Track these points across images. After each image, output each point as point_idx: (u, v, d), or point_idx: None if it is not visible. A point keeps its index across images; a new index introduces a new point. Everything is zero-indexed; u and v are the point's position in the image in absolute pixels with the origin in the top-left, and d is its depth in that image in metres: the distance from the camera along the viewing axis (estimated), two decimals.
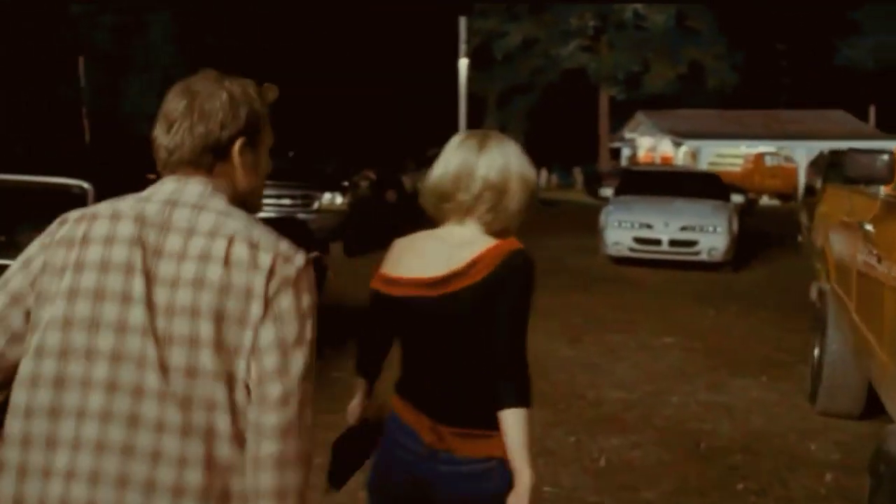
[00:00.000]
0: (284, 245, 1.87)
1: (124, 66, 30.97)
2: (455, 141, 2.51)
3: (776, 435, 6.00)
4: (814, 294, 7.54)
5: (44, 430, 1.75)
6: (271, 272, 1.82)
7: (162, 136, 1.92)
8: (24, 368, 1.80)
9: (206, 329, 1.76)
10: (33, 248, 1.89)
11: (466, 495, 2.41)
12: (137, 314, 1.77)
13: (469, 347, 2.39)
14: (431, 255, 2.44)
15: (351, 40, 42.68)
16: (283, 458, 1.78)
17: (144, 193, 1.91)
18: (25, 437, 1.76)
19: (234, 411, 1.77)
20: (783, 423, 6.30)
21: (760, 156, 39.12)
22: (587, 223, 17.95)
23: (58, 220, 1.91)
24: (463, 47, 28.38)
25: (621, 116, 44.47)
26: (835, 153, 15.23)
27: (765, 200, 34.13)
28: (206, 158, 1.91)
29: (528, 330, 2.38)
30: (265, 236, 1.86)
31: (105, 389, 1.75)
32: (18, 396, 1.79)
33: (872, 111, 45.50)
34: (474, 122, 42.70)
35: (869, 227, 4.68)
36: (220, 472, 1.76)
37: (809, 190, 15.16)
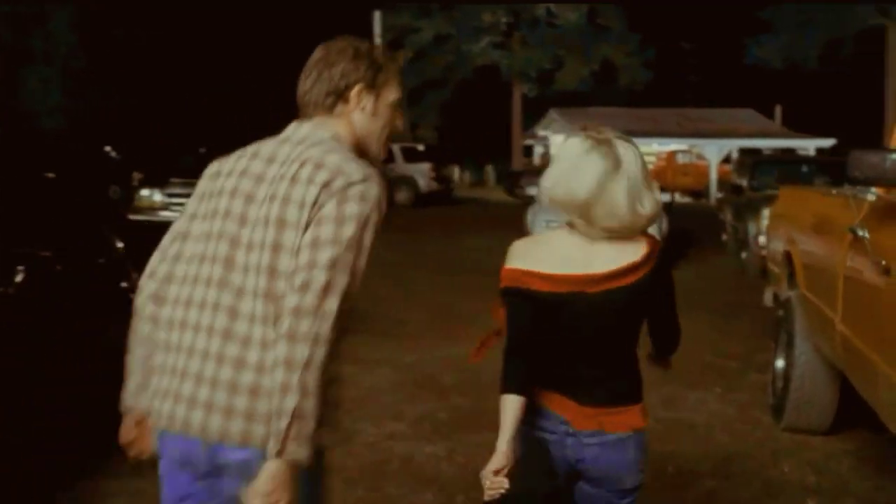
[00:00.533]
0: (350, 166, 2.24)
1: (23, 58, 29.59)
2: (580, 148, 2.61)
3: (746, 456, 5.59)
4: (769, 300, 7.17)
5: (170, 307, 2.35)
6: (325, 186, 2.20)
7: (300, 83, 2.40)
8: (170, 268, 2.40)
9: (270, 235, 2.22)
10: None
11: (612, 463, 2.68)
12: (230, 226, 2.29)
13: (628, 333, 2.69)
14: (581, 251, 2.63)
15: (264, 33, 41.64)
16: (293, 333, 2.14)
17: (279, 136, 2.40)
18: (168, 317, 2.36)
19: (277, 298, 2.20)
20: (750, 441, 5.89)
21: (673, 153, 39.37)
22: (507, 222, 17.50)
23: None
24: (377, 42, 27.76)
25: (534, 114, 44.30)
26: (757, 152, 15.09)
27: (677, 198, 34.21)
28: (329, 100, 2.36)
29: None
30: (335, 160, 2.25)
31: (205, 284, 2.30)
32: (160, 289, 2.39)
33: (779, 110, 46.14)
34: None
35: (863, 233, 4.25)
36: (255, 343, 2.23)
37: (736, 189, 14.94)
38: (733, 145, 39.18)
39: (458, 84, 44.62)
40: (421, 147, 30.12)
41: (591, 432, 2.66)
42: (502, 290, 2.68)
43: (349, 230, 2.19)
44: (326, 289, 2.16)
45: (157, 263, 2.42)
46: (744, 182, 15.15)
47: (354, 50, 2.38)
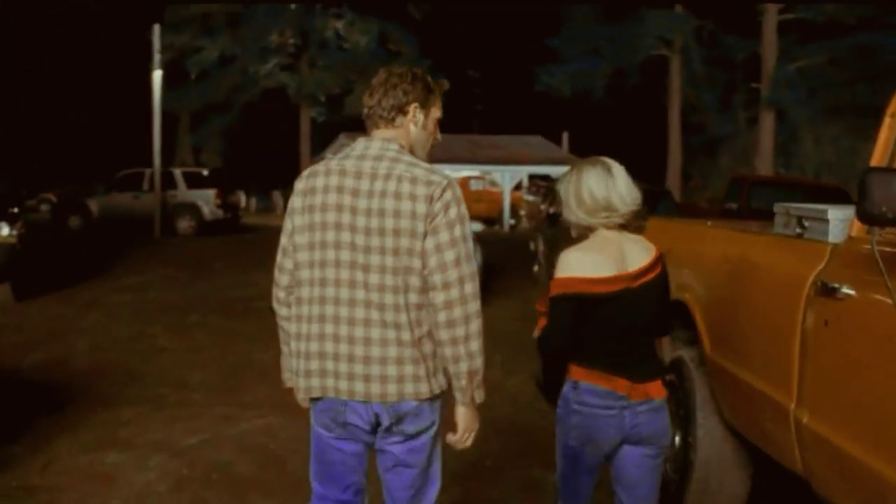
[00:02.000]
0: (434, 175, 2.97)
1: None
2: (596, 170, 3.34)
3: None
4: None
5: (313, 309, 3.03)
6: (428, 199, 2.92)
7: (366, 100, 3.12)
8: (296, 275, 3.08)
9: (388, 241, 2.92)
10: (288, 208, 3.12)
11: (658, 424, 3.33)
12: (345, 236, 2.96)
13: (657, 319, 3.40)
14: (620, 253, 3.29)
15: (31, 44, 38.26)
16: (450, 321, 2.95)
17: (345, 151, 3.09)
18: (299, 315, 3.07)
19: (406, 290, 2.93)
20: None
21: (466, 180, 38.71)
22: None
23: (298, 178, 3.13)
24: (157, 57, 25.58)
25: (324, 138, 42.85)
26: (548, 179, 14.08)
27: (474, 227, 33.50)
28: (393, 113, 3.07)
29: None
30: (421, 173, 2.96)
31: (335, 284, 2.98)
32: (294, 293, 3.10)
33: (566, 137, 46.57)
34: (168, 142, 39.69)
35: (846, 289, 3.01)
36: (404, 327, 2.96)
37: (551, 218, 13.92)
38: (524, 172, 39.01)
39: (245, 107, 42.58)
40: (205, 172, 28.02)
41: (641, 402, 3.27)
42: (552, 297, 3.24)
43: (459, 230, 2.96)
44: (461, 280, 2.93)
45: (279, 275, 3.13)
46: (554, 210, 14.22)
47: (412, 75, 3.10)
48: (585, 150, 35.71)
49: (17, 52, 36.99)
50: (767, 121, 34.68)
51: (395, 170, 2.95)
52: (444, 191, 2.92)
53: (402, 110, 3.05)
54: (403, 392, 2.95)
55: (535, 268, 15.62)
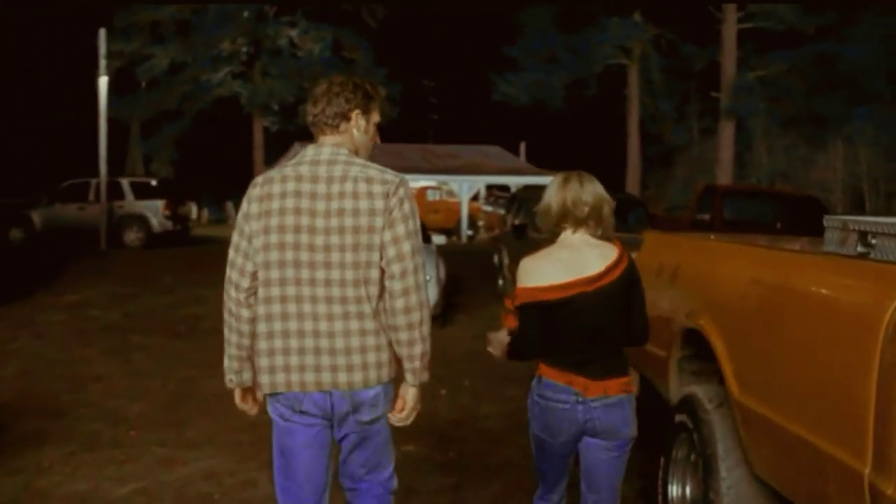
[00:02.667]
0: (388, 175, 3.19)
1: None
2: (558, 179, 3.72)
3: None
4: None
5: (276, 307, 3.19)
6: (385, 196, 3.14)
7: (310, 109, 3.28)
8: (261, 276, 3.22)
9: (348, 239, 3.12)
10: (240, 213, 3.28)
11: (614, 418, 3.55)
12: (304, 238, 3.14)
13: (618, 320, 3.57)
14: (577, 260, 3.57)
15: None
16: (408, 306, 3.16)
17: (296, 158, 3.25)
18: (268, 314, 3.20)
19: (367, 283, 3.14)
20: None
21: (422, 190, 37.97)
22: None
23: (251, 185, 3.29)
24: (103, 63, 24.58)
25: (278, 148, 41.95)
26: (506, 189, 13.45)
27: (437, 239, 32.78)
28: (337, 120, 3.26)
29: None
30: (375, 173, 3.19)
31: (295, 283, 3.15)
32: (260, 294, 3.22)
33: (523, 147, 46.11)
34: (118, 151, 38.52)
35: None
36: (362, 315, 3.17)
37: (518, 230, 13.23)
38: (481, 182, 38.38)
39: (197, 115, 41.56)
40: (154, 182, 27.01)
41: (596, 398, 3.53)
42: (517, 307, 3.60)
43: (412, 223, 3.18)
44: (416, 270, 3.16)
45: (238, 277, 3.25)
46: (520, 221, 13.52)
47: (353, 83, 3.29)
48: (543, 159, 34.96)
49: None
50: (727, 130, 34.38)
51: (350, 172, 3.17)
52: (397, 188, 3.16)
53: (345, 117, 3.26)
54: (368, 378, 3.18)
55: (500, 282, 14.92)
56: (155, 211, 25.08)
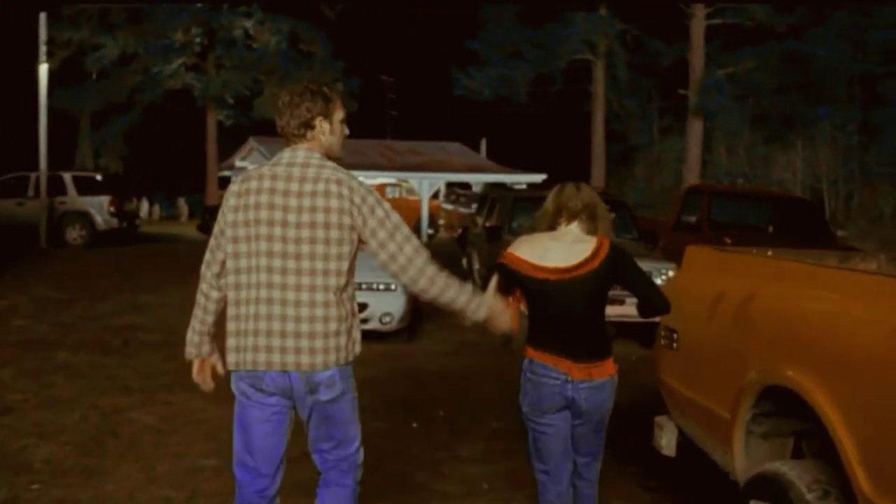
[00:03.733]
0: (352, 179, 3.52)
1: None
2: (557, 187, 4.22)
3: None
4: (668, 444, 4.16)
5: (245, 293, 3.50)
6: (350, 198, 3.47)
7: (278, 120, 3.57)
8: (229, 265, 3.57)
9: (319, 233, 3.44)
10: (222, 207, 3.61)
11: (597, 399, 3.97)
12: (277, 230, 3.45)
13: (595, 309, 3.98)
14: (558, 250, 3.98)
15: None
16: (422, 267, 3.57)
17: (274, 159, 3.58)
18: (237, 299, 3.52)
19: (331, 274, 3.46)
20: None
21: (382, 187, 36.78)
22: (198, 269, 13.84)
23: (231, 181, 3.65)
24: (43, 49, 23.10)
25: (232, 142, 40.51)
26: (467, 187, 12.32)
27: None
28: (302, 130, 3.55)
29: None
30: (344, 176, 3.50)
31: (266, 271, 3.46)
32: (231, 280, 3.56)
33: (483, 143, 45.12)
34: (64, 144, 36.90)
35: None
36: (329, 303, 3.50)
37: (491, 232, 12.09)
38: (442, 179, 37.29)
39: (147, 108, 39.93)
40: (99, 177, 25.56)
41: (582, 380, 3.93)
42: (498, 264, 4.12)
43: (395, 216, 3.55)
44: (409, 235, 3.56)
45: (211, 260, 3.64)
46: (493, 223, 12.41)
47: (310, 91, 3.56)
48: (504, 157, 33.88)
49: None
50: (696, 128, 33.38)
51: (322, 174, 3.50)
52: (366, 193, 3.51)
53: (309, 125, 3.55)
54: (327, 362, 3.46)
55: None
56: (99, 207, 23.70)
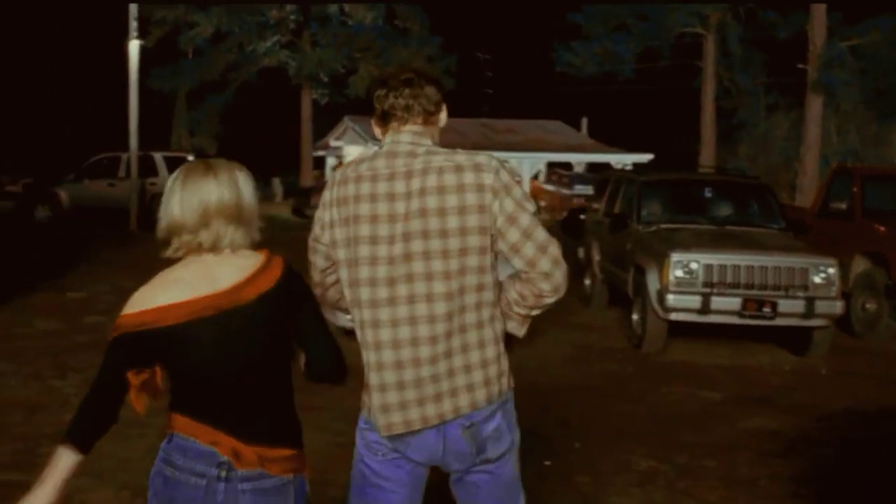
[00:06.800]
0: (481, 159, 2.74)
1: None
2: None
3: None
4: None
5: (369, 326, 2.73)
6: (479, 188, 2.67)
7: (388, 98, 2.82)
8: (349, 275, 2.78)
9: (435, 244, 2.67)
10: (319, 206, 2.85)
11: None
12: (382, 249, 2.69)
13: (274, 351, 2.52)
14: (200, 277, 2.46)
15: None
16: (556, 283, 2.76)
17: (373, 151, 2.87)
18: (371, 304, 2.73)
19: (463, 292, 2.69)
20: None
21: None
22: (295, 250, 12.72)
23: (327, 184, 2.84)
24: (133, 25, 22.32)
25: (327, 121, 39.69)
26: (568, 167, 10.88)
27: None
28: (430, 109, 2.83)
29: None
30: (464, 160, 2.72)
31: (384, 303, 2.70)
32: (354, 293, 2.76)
33: (585, 122, 43.52)
34: (160, 124, 36.49)
35: None
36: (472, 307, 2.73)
37: (617, 220, 10.69)
38: (543, 159, 35.92)
39: (241, 87, 39.27)
40: (191, 157, 24.81)
41: (248, 473, 2.44)
42: (110, 341, 2.45)
43: (518, 195, 2.73)
44: (547, 241, 2.74)
45: (311, 269, 2.88)
46: (619, 210, 11.02)
47: (431, 77, 2.92)
48: (607, 135, 32.14)
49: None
50: (815, 105, 31.32)
51: (432, 162, 2.73)
52: (496, 173, 2.72)
53: (438, 107, 2.88)
54: (476, 401, 2.72)
55: (587, 282, 12.41)
56: None
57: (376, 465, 2.78)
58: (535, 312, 2.82)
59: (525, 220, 2.69)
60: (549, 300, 2.79)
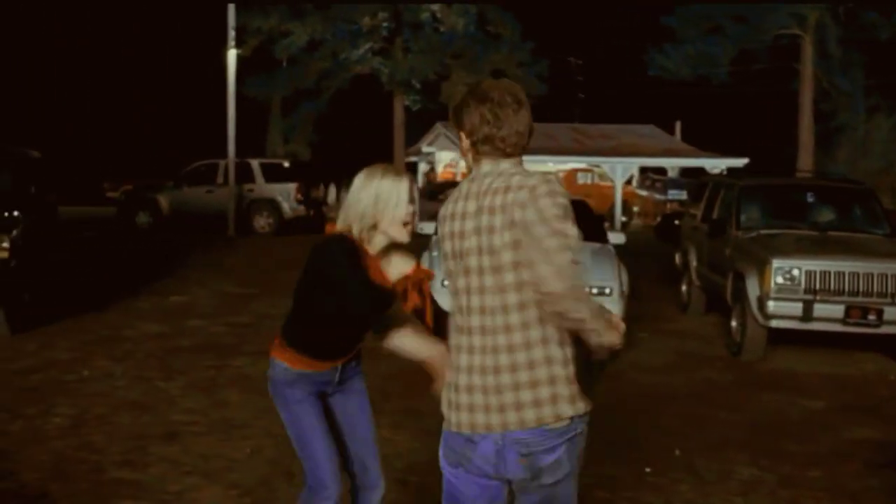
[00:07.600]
0: (528, 180, 2.74)
1: None
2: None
3: None
4: None
5: (454, 332, 2.87)
6: (521, 205, 2.70)
7: (485, 125, 2.81)
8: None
9: (494, 260, 2.73)
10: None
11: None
12: (472, 260, 2.77)
13: None
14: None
15: (97, 28, 35.90)
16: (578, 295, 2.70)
17: (472, 174, 2.89)
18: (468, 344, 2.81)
19: (523, 307, 2.72)
20: None
21: (572, 173, 35.38)
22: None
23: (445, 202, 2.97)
24: (231, 34, 22.79)
25: (419, 127, 39.93)
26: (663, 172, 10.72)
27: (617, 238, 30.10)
28: (517, 149, 2.86)
29: None
30: (518, 179, 2.75)
31: (459, 312, 2.82)
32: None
33: (678, 126, 42.97)
34: (256, 132, 37.14)
35: None
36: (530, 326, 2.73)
37: (716, 226, 10.55)
38: (635, 164, 35.52)
39: (335, 94, 39.71)
40: (286, 164, 25.26)
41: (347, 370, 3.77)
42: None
43: (556, 225, 2.68)
44: (560, 275, 2.65)
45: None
46: (718, 215, 10.86)
47: (523, 97, 2.87)
48: (700, 140, 31.60)
49: (85, 35, 34.71)
50: None
51: (495, 183, 2.81)
52: (533, 190, 2.72)
53: (530, 133, 2.93)
54: (524, 420, 2.70)
55: (684, 288, 12.26)
56: (286, 195, 23.37)
57: (450, 475, 2.90)
58: (587, 330, 2.71)
59: (547, 242, 2.65)
60: (574, 324, 2.70)
